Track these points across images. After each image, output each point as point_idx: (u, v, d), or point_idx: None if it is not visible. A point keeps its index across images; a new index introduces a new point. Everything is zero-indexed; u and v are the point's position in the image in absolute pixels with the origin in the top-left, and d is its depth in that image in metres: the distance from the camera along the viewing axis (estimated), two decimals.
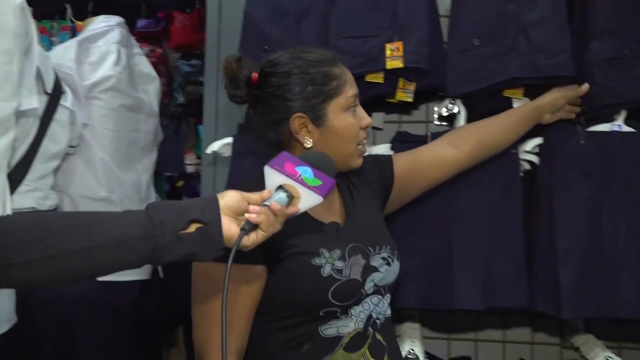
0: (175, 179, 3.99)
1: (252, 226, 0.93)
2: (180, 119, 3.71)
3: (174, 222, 0.89)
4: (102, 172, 2.04)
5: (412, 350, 1.82)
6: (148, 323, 2.30)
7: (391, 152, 1.77)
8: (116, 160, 2.08)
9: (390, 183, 1.48)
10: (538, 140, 1.81)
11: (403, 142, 1.85)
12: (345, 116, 1.28)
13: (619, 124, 1.77)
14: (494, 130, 1.65)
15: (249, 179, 1.31)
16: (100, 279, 1.76)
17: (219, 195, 0.95)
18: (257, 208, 0.94)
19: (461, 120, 1.86)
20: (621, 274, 1.69)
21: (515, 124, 1.68)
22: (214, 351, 1.17)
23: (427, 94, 2.06)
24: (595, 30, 1.77)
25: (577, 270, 1.69)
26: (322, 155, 1.09)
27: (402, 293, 1.77)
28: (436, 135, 1.86)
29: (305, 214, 1.14)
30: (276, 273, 1.22)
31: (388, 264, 1.32)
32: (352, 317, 1.24)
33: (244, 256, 1.05)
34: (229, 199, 0.93)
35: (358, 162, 1.33)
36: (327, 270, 1.22)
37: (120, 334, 1.96)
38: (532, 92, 1.81)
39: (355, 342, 1.24)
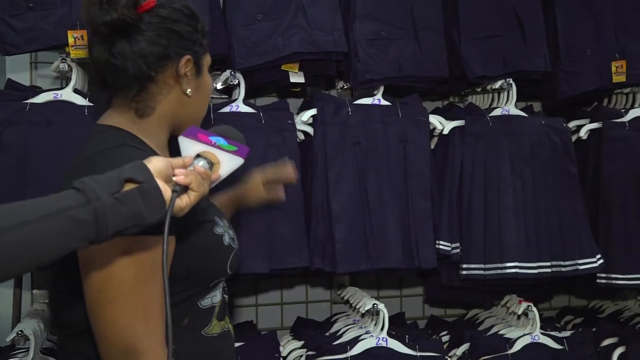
0: None
1: (183, 188, 0.91)
2: None
3: (107, 185, 0.81)
4: None
5: None
6: None
7: None
8: None
9: None
10: (313, 112, 1.95)
11: None
12: (208, 74, 1.19)
13: (378, 98, 2.00)
14: None
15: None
16: None
17: (145, 161, 0.88)
18: (183, 170, 0.91)
19: (241, 91, 1.91)
20: (386, 229, 1.91)
21: None
22: (154, 342, 1.00)
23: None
24: (357, 13, 1.98)
25: (348, 228, 1.88)
26: (229, 129, 1.06)
27: None
28: (217, 108, 1.90)
29: None
30: (182, 244, 1.08)
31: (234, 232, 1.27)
32: (218, 286, 1.18)
33: (169, 225, 0.94)
34: (156, 162, 0.88)
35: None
36: (226, 240, 1.16)
37: None
38: (307, 66, 1.96)
39: (222, 309, 1.19)
